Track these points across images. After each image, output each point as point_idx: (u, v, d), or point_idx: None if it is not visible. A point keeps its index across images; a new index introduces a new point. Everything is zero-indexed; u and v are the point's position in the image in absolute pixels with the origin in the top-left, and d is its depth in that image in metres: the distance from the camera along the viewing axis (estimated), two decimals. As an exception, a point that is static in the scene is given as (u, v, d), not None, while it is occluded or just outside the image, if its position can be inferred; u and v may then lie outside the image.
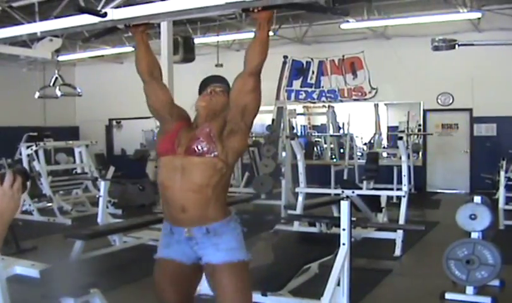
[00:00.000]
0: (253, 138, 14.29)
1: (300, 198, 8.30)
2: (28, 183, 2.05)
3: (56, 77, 10.42)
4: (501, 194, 9.13)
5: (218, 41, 13.66)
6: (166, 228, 3.31)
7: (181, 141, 3.22)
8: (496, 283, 5.53)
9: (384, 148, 17.34)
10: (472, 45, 8.22)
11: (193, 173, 3.16)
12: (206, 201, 3.15)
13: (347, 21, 12.73)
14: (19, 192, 1.96)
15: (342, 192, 7.82)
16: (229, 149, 3.17)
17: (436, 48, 6.70)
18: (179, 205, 3.17)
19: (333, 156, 17.38)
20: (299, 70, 15.71)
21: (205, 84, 3.32)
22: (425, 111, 14.79)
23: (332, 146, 17.84)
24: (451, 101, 14.22)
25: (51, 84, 10.62)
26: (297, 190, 8.58)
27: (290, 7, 4.18)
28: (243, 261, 3.19)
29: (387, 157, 16.39)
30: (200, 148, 3.15)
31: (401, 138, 8.96)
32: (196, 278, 3.35)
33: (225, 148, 3.16)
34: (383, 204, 8.28)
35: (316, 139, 18.69)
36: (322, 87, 15.66)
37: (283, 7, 3.19)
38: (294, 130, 16.61)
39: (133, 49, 14.40)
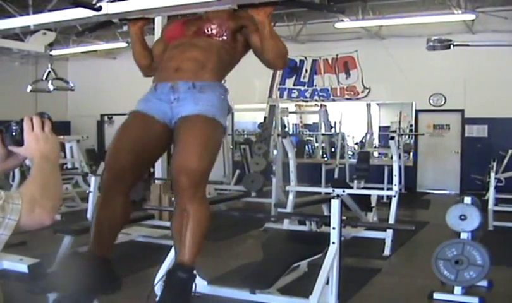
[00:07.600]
0: (245, 136, 14.24)
1: (290, 196, 8.28)
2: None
3: (49, 71, 10.35)
4: (491, 195, 9.15)
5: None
6: (151, 88, 3.23)
7: (190, 27, 3.30)
8: (484, 283, 5.55)
9: (375, 147, 17.37)
10: (467, 45, 8.24)
11: (198, 46, 3.19)
12: (202, 67, 3.13)
13: (342, 21, 12.75)
14: (53, 134, 1.92)
15: (333, 191, 7.81)
16: (238, 43, 3.27)
17: (432, 48, 6.71)
18: (174, 66, 3.14)
19: (324, 155, 17.41)
20: (292, 68, 15.68)
21: None
22: (417, 111, 14.84)
23: (323, 145, 17.88)
24: (443, 102, 14.27)
25: (43, 78, 10.55)
26: (287, 188, 8.55)
27: (286, 5, 4.16)
28: (218, 121, 3.06)
29: (378, 157, 16.42)
30: (209, 29, 3.21)
31: (392, 138, 8.96)
32: (159, 144, 3.19)
33: (235, 40, 3.25)
34: (373, 203, 8.28)
35: (308, 138, 18.69)
36: (315, 86, 15.67)
37: (279, 4, 3.18)
38: (286, 129, 16.59)
39: (126, 45, 14.32)
